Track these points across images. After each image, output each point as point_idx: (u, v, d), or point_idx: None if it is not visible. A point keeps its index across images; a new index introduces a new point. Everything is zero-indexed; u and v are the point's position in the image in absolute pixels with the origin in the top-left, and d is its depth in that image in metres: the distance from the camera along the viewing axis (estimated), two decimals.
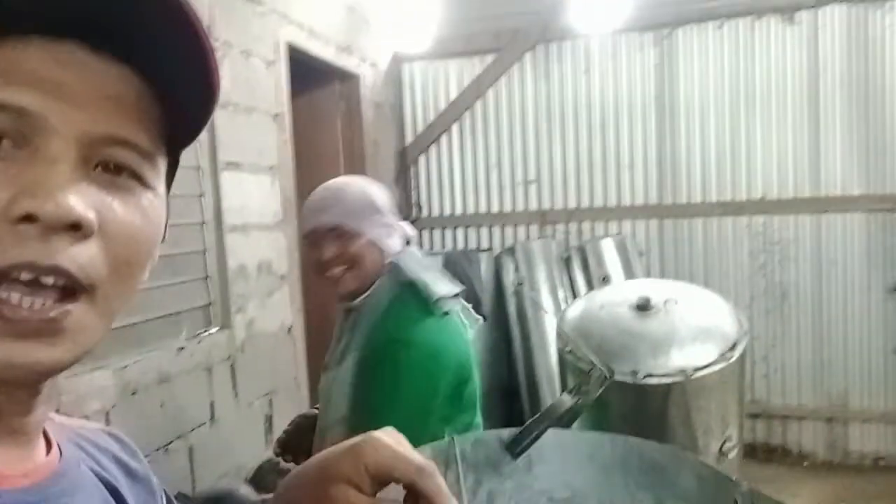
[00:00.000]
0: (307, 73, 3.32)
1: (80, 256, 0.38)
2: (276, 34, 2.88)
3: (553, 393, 3.49)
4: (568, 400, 0.79)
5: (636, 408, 1.42)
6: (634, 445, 0.74)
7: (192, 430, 2.33)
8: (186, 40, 0.41)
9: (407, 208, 4.18)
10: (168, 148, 0.47)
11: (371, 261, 1.38)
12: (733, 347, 1.38)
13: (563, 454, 0.78)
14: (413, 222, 4.16)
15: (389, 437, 0.50)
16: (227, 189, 2.51)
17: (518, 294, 3.68)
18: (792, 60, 3.56)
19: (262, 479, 2.69)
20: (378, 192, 1.43)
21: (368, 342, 1.34)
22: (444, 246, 4.16)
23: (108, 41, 0.41)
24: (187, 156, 2.31)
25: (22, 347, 0.38)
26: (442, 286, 1.38)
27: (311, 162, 3.55)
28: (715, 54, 3.67)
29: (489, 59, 4.01)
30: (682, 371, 1.33)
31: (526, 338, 3.62)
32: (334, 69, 3.49)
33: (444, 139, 4.15)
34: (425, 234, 4.20)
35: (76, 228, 0.38)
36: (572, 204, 3.99)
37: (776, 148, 3.62)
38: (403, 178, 4.19)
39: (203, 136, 2.43)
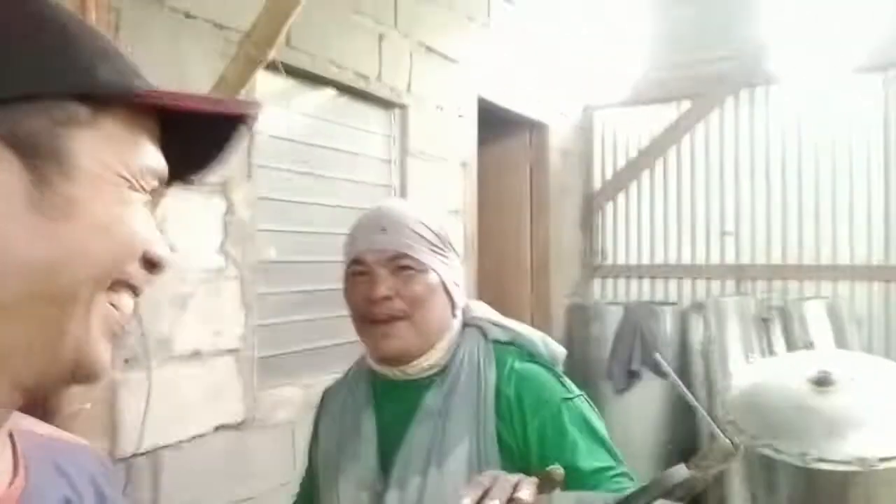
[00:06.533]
0: (497, 123, 3.48)
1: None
2: (469, 89, 3.07)
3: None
4: (683, 472, 0.75)
5: (807, 495, 1.26)
6: None
7: None
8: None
9: (590, 255, 4.13)
10: None
11: (439, 310, 1.02)
12: None
13: None
14: (595, 270, 4.09)
15: None
16: None
17: (705, 353, 3.42)
18: None
19: None
20: (445, 224, 1.08)
21: (514, 425, 0.97)
22: (627, 295, 4.01)
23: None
24: (381, 200, 2.50)
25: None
26: (552, 342, 1.09)
27: (496, 206, 3.69)
28: None
29: (686, 105, 3.86)
30: (863, 460, 1.17)
31: (712, 399, 3.34)
32: (524, 119, 3.61)
33: (633, 186, 4.05)
34: (608, 283, 4.10)
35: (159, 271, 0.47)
36: (776, 259, 3.63)
37: None
38: (588, 225, 4.15)
39: (395, 182, 2.67)
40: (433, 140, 2.84)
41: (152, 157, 0.46)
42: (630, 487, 0.95)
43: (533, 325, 3.92)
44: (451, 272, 1.04)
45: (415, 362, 1.01)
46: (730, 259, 3.76)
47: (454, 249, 1.07)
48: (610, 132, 4.13)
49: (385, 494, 0.99)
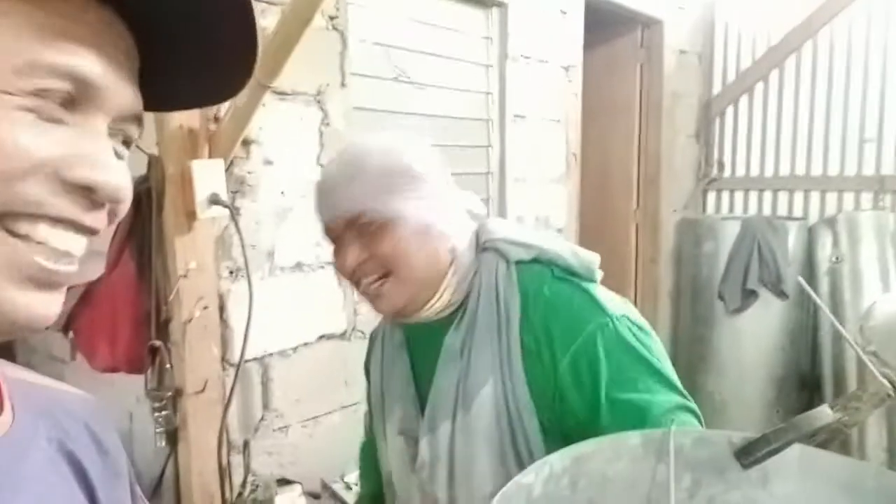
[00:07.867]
0: (606, 20, 3.19)
1: (103, 223, 0.40)
2: None
3: None
4: (828, 415, 0.64)
5: None
6: None
7: None
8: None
9: (705, 166, 3.82)
10: None
11: (424, 256, 0.89)
12: None
13: (810, 477, 0.64)
14: (711, 182, 3.79)
15: None
16: (513, 141, 2.58)
17: (834, 274, 3.13)
18: None
19: None
20: (416, 152, 0.91)
21: (549, 350, 0.86)
22: (745, 210, 3.70)
23: None
24: (478, 108, 2.42)
25: (34, 298, 0.37)
26: (583, 251, 0.95)
27: (602, 112, 3.46)
28: None
29: None
30: None
31: (843, 326, 3.08)
32: (635, 15, 3.29)
33: (758, 89, 3.64)
34: (724, 196, 3.79)
35: (115, 202, 0.39)
36: None
37: None
38: (705, 133, 3.81)
39: (494, 88, 2.52)
40: (534, 41, 2.65)
41: (56, 54, 0.35)
42: (692, 423, 0.82)
43: (638, 241, 3.71)
44: (428, 208, 0.89)
45: (423, 310, 0.92)
46: (868, 170, 3.35)
47: (424, 173, 0.90)
48: (734, 28, 3.69)
49: (419, 440, 0.95)
